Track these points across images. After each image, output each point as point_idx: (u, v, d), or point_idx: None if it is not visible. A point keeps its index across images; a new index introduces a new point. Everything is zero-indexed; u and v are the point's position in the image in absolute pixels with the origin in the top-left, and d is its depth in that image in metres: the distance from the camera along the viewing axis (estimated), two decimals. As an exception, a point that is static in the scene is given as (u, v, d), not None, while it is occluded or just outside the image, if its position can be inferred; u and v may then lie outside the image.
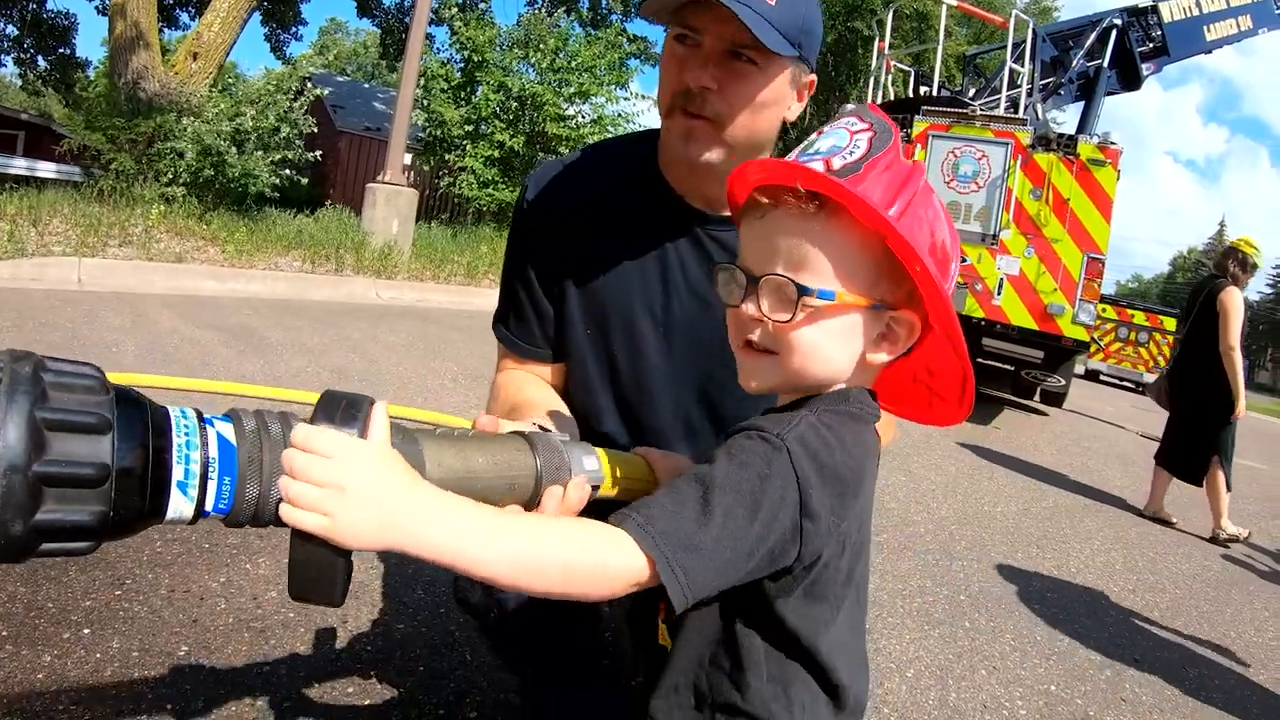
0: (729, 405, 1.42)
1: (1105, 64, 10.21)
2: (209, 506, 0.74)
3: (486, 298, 10.43)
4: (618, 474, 1.11)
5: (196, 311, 6.44)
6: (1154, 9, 10.52)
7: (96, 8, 18.57)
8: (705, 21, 1.22)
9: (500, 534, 0.77)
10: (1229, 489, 5.69)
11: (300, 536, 0.74)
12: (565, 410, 1.38)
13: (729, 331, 0.99)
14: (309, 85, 13.11)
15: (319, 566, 0.75)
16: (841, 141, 0.91)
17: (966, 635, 3.08)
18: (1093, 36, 10.34)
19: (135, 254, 8.05)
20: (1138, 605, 3.90)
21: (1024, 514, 5.23)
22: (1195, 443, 5.72)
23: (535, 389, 1.44)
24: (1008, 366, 10.51)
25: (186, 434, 0.74)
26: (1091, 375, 21.74)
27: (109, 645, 1.97)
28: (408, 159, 13.88)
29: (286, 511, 0.72)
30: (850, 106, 1.00)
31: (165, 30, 18.28)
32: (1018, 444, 8.00)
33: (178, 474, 0.72)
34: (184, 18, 20.09)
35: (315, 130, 12.77)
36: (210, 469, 0.74)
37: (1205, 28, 11.00)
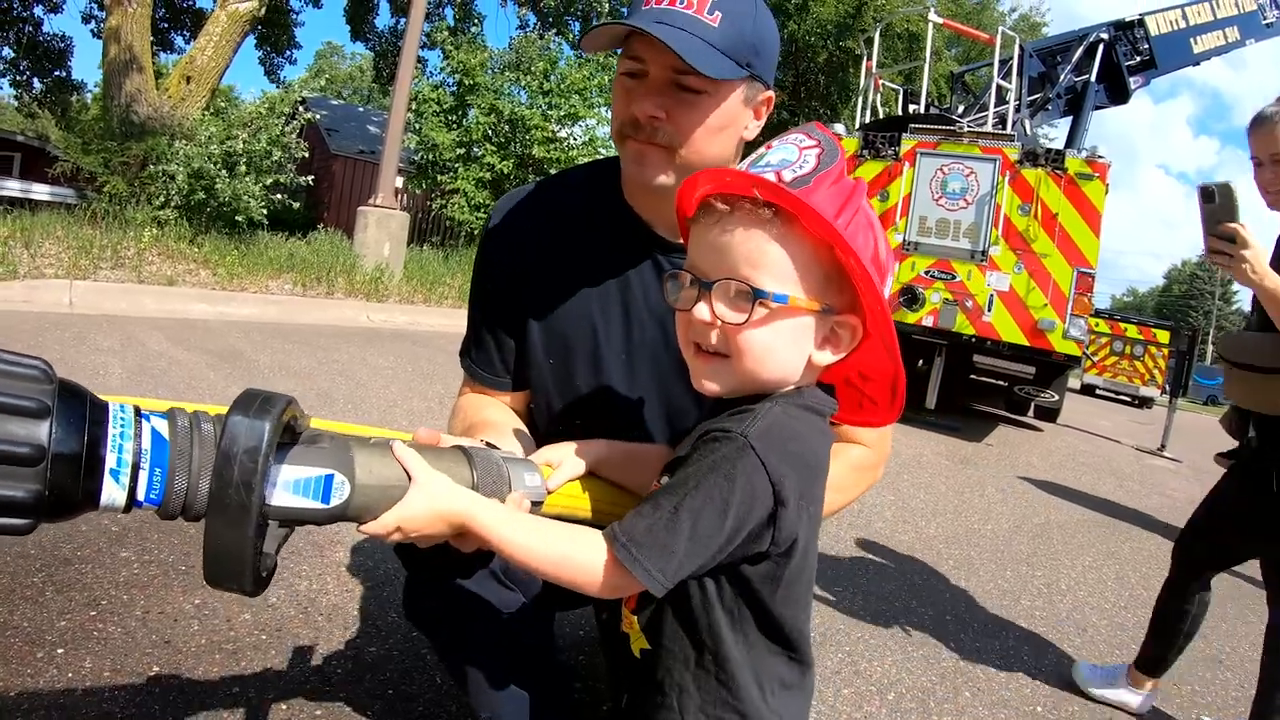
0: (690, 425, 1.41)
1: (1093, 78, 10.25)
2: (140, 495, 0.80)
3: (478, 320, 10.41)
4: (572, 494, 1.13)
5: (186, 334, 6.43)
6: (1141, 22, 10.58)
7: (92, 31, 18.74)
8: (648, 51, 1.22)
9: (521, 524, 0.97)
10: None
11: (214, 524, 0.80)
12: (524, 430, 1.37)
13: (679, 336, 1.03)
14: (301, 109, 13.16)
15: (230, 554, 0.81)
16: (791, 156, 0.95)
17: (950, 657, 3.05)
18: (1080, 51, 10.39)
19: (127, 276, 8.06)
20: (1129, 621, 3.87)
21: (1015, 531, 5.20)
22: None
23: (494, 411, 1.44)
24: (1000, 383, 10.50)
25: (122, 425, 0.79)
26: (1088, 389, 21.76)
27: (81, 665, 1.96)
28: (400, 182, 13.93)
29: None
30: (800, 125, 1.02)
31: (160, 53, 18.40)
32: (1010, 461, 7.98)
33: (110, 461, 0.78)
34: (179, 41, 20.25)
35: (307, 155, 12.80)
36: (142, 460, 0.79)
37: (1192, 40, 11.06)
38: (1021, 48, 9.60)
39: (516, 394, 1.51)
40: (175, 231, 9.99)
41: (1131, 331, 20.03)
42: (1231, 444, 2.92)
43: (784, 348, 0.97)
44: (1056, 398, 10.46)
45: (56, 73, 20.95)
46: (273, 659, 2.13)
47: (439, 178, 16.06)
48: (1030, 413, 11.56)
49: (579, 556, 0.94)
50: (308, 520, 0.89)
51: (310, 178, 12.71)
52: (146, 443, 0.80)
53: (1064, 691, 2.95)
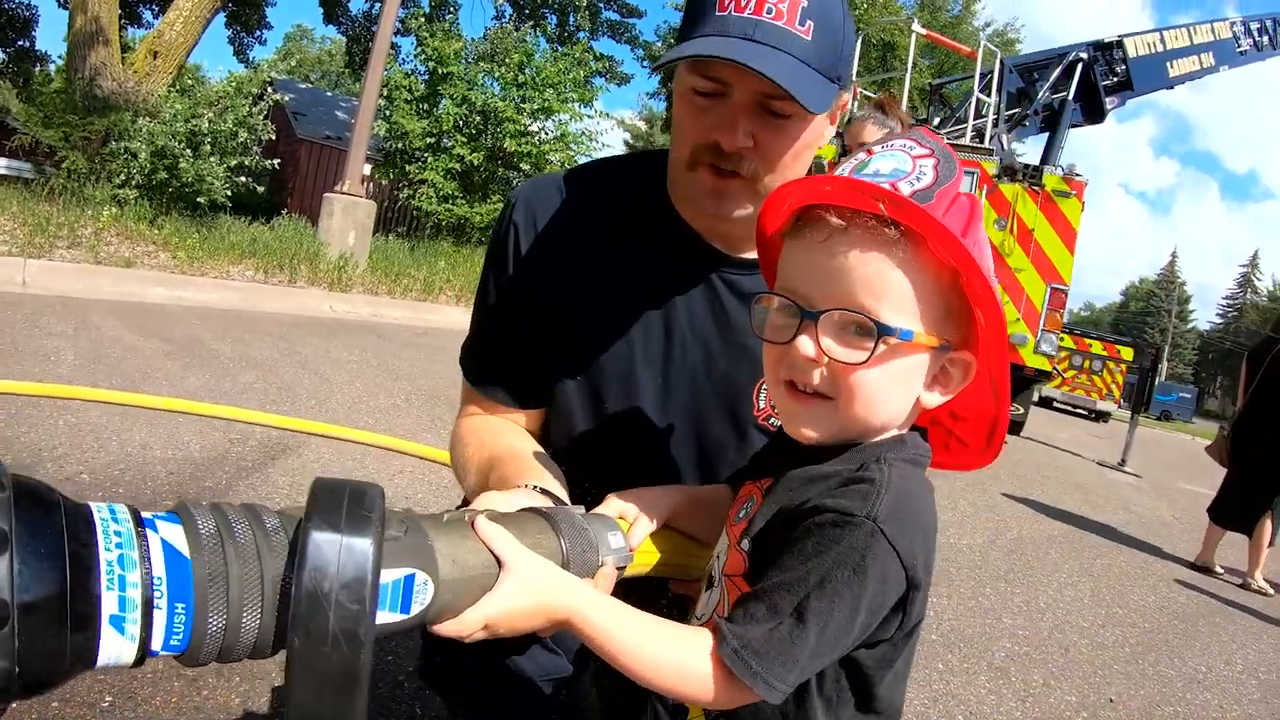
0: (723, 460, 1.26)
1: (1070, 96, 10.35)
2: (157, 645, 0.56)
3: (443, 314, 10.26)
4: (644, 550, 1.00)
5: (143, 320, 6.19)
6: (1119, 44, 10.71)
7: (58, 1, 18.18)
8: (734, 75, 1.04)
9: (630, 622, 0.81)
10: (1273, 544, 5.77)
11: (302, 693, 0.58)
12: (552, 464, 1.18)
13: (767, 371, 0.89)
14: (270, 90, 12.85)
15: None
16: (904, 166, 0.82)
17: (941, 678, 2.98)
18: (1059, 69, 10.48)
19: (83, 257, 7.77)
20: (1108, 640, 3.84)
21: (990, 546, 5.16)
22: (1252, 497, 5.77)
23: (517, 438, 1.25)
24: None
25: (119, 546, 0.55)
26: (1045, 402, 22.06)
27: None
28: (367, 170, 13.67)
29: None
30: (905, 130, 0.88)
31: (128, 28, 17.89)
32: (978, 473, 7.94)
33: (109, 606, 0.53)
34: (147, 15, 19.74)
35: (274, 137, 12.49)
36: (156, 592, 0.55)
37: (1169, 64, 11.23)
38: (1002, 62, 9.65)
39: (531, 413, 1.31)
40: (135, 211, 9.66)
41: (1096, 347, 20.37)
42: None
43: (896, 390, 0.84)
44: (1023, 411, 10.54)
45: (20, 42, 20.41)
46: (236, 687, 1.99)
47: (407, 167, 15.82)
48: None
49: (691, 663, 0.80)
50: (381, 637, 0.67)
51: (276, 161, 12.40)
52: (159, 566, 0.56)
53: (1054, 713, 2.89)
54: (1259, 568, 5.70)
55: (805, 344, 0.81)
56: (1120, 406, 21.43)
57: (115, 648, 0.54)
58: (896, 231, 0.78)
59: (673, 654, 0.80)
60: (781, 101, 1.04)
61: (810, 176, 0.85)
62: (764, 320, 0.87)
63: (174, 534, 0.58)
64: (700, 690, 0.80)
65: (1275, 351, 5.77)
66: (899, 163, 0.82)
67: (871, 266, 0.79)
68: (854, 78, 10.21)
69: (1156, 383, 15.32)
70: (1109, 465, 11.47)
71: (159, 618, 0.55)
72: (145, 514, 0.59)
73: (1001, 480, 7.85)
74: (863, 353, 0.79)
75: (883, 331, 0.79)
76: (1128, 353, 20.21)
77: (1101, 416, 21.94)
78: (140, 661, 0.56)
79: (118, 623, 0.54)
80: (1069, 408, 22.34)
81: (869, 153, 0.85)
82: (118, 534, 0.55)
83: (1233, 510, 5.88)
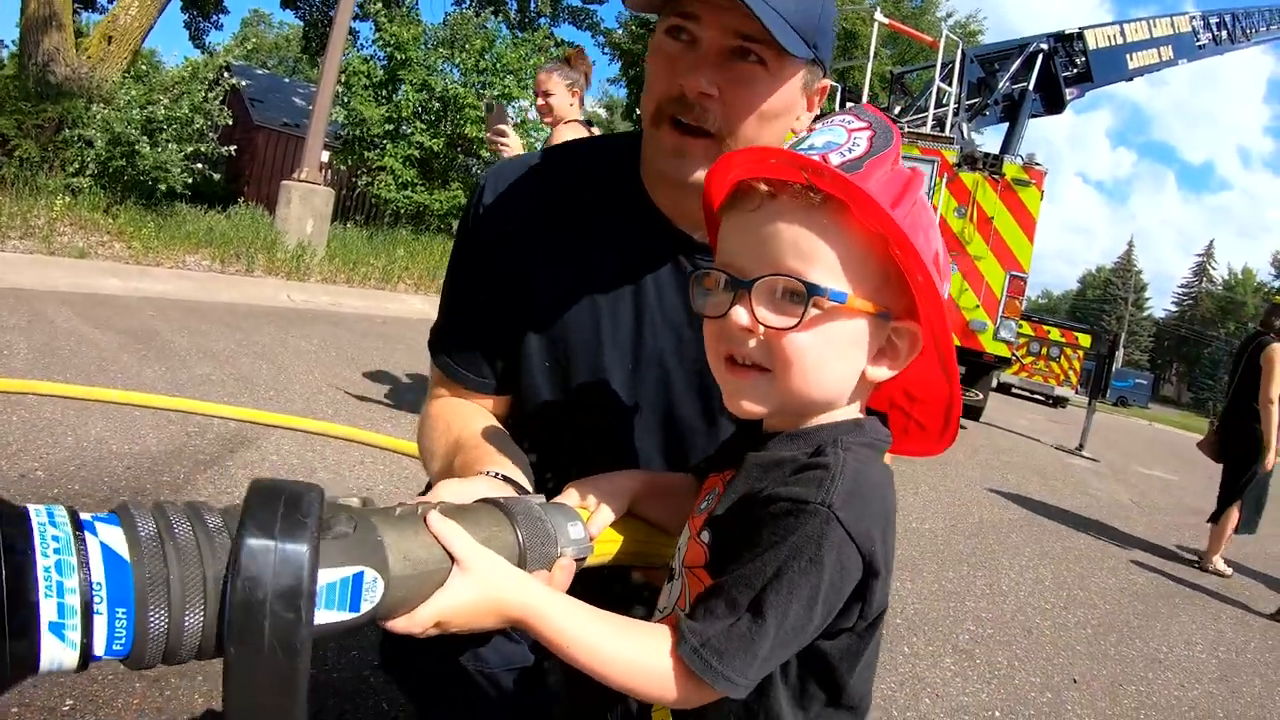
0: (693, 447, 1.25)
1: (1030, 87, 10.46)
2: (99, 649, 0.55)
3: (403, 302, 10.15)
4: (605, 538, 0.98)
5: (97, 311, 6.04)
6: (1080, 35, 10.83)
7: (11, -16, 17.69)
8: (705, 10, 1.02)
9: (587, 622, 0.79)
10: (1237, 533, 5.84)
11: (239, 703, 0.57)
12: (516, 450, 1.15)
13: (708, 348, 0.87)
14: (226, 75, 12.59)
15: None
16: (838, 138, 0.82)
17: (907, 661, 3.00)
18: (1020, 60, 10.59)
19: (36, 247, 7.56)
20: (1070, 622, 3.90)
21: (952, 531, 5.22)
22: (1227, 486, 5.88)
23: (482, 421, 1.22)
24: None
25: (57, 551, 0.53)
26: (1003, 388, 22.39)
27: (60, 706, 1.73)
28: (325, 157, 13.46)
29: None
30: (848, 105, 0.86)
31: (82, 12, 17.38)
32: (939, 458, 8.04)
33: (48, 612, 0.52)
34: (102, 0, 19.26)
35: (231, 123, 12.27)
36: (95, 598, 0.54)
37: (1128, 56, 11.40)
38: (963, 52, 9.72)
39: (499, 398, 1.30)
40: (89, 200, 9.44)
41: (1054, 334, 20.70)
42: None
43: (837, 359, 0.82)
44: (981, 396, 10.65)
45: (-32, 29, 19.84)
46: (199, 687, 1.94)
47: (366, 154, 15.63)
48: (955, 410, 11.75)
49: (651, 662, 0.78)
50: (328, 636, 0.66)
51: (232, 148, 12.15)
52: (99, 571, 0.54)
53: (1019, 694, 2.93)
54: (1219, 552, 5.82)
55: (739, 313, 0.80)
56: (1078, 392, 21.82)
57: (56, 654, 0.53)
58: (820, 197, 0.78)
59: (632, 653, 0.79)
60: (754, 45, 1.02)
61: (750, 149, 0.83)
62: (704, 296, 0.85)
63: (114, 536, 0.56)
64: (661, 689, 0.79)
65: (1253, 346, 5.88)
66: (833, 136, 0.82)
67: (798, 231, 0.79)
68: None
69: (1113, 369, 15.60)
70: (1067, 450, 11.66)
71: (100, 623, 0.54)
72: (84, 516, 0.57)
73: (962, 465, 7.95)
74: (793, 318, 0.78)
75: (812, 292, 0.78)
76: (1085, 339, 20.57)
77: (1059, 402, 22.31)
78: (84, 666, 0.55)
79: (57, 629, 0.53)
80: (1027, 393, 22.69)
81: (811, 129, 0.85)
82: (55, 539, 0.54)
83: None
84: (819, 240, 0.78)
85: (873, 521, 0.79)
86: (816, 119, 0.90)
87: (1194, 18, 12.36)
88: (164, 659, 0.58)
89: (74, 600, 0.53)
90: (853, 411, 0.88)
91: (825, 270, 0.78)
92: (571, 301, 1.20)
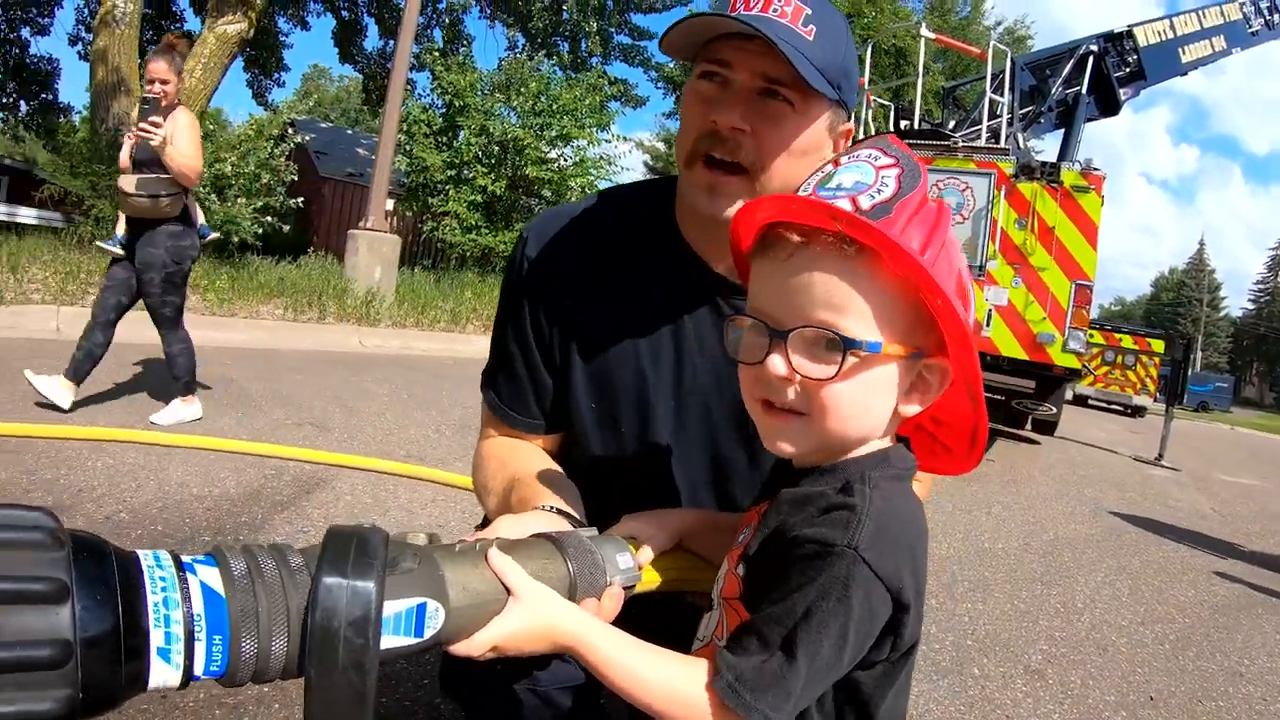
0: (737, 482, 1.30)
1: (1084, 90, 10.28)
2: (199, 670, 0.65)
3: (471, 344, 10.34)
4: (653, 569, 1.05)
5: (176, 363, 6.30)
6: (1129, 34, 10.61)
7: (79, 53, 18.71)
8: (736, 55, 1.09)
9: (631, 651, 0.85)
10: None
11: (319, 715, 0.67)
12: (568, 484, 1.23)
13: (744, 391, 0.91)
14: (290, 131, 13.08)
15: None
16: (866, 178, 0.84)
17: (976, 683, 2.97)
18: (1070, 64, 10.41)
19: (115, 305, 7.92)
20: (1147, 637, 3.80)
21: (1024, 549, 5.13)
22: None
23: (535, 459, 1.29)
24: (998, 397, 10.46)
25: (164, 589, 0.64)
26: (1080, 400, 21.79)
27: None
28: (390, 205, 13.85)
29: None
30: (870, 138, 0.90)
31: (149, 79, 18.28)
32: (1012, 475, 7.91)
33: (157, 639, 0.62)
34: (166, 66, 20.15)
35: (296, 177, 12.72)
36: (196, 627, 0.64)
37: (1180, 50, 11.11)
38: (1012, 61, 9.61)
39: (549, 436, 1.36)
40: (164, 257, 9.87)
41: (1126, 342, 20.10)
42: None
43: (871, 401, 0.85)
44: (1055, 410, 10.40)
45: (43, 95, 20.93)
46: (277, 714, 2.03)
47: (430, 200, 16.02)
48: (1028, 425, 11.50)
49: (689, 692, 0.83)
50: (397, 657, 0.77)
51: (300, 200, 12.61)
52: (199, 605, 0.65)
53: (1093, 713, 2.87)
54: None
55: (777, 363, 0.83)
56: (1156, 400, 21.14)
57: (163, 674, 0.63)
58: (854, 248, 0.80)
59: (671, 683, 0.84)
60: (782, 88, 1.09)
61: (777, 195, 0.87)
62: (738, 341, 0.89)
63: (210, 576, 0.67)
64: (694, 717, 0.83)
65: None
66: (861, 174, 0.84)
67: (832, 283, 0.81)
68: (867, 85, 10.24)
69: (1191, 373, 15.10)
70: (1146, 460, 11.31)
71: (199, 648, 0.64)
72: (185, 559, 0.67)
73: (1036, 481, 7.79)
74: (831, 367, 0.81)
75: (849, 345, 0.80)
76: (1159, 345, 19.94)
77: (1138, 411, 21.63)
78: (185, 684, 0.65)
79: (164, 654, 0.63)
80: (1104, 404, 22.06)
81: (835, 164, 0.87)
82: (162, 579, 0.64)
83: None
84: (853, 291, 0.81)
85: (900, 558, 0.82)
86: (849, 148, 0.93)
87: (1243, 4, 11.91)
88: (254, 678, 0.68)
89: (178, 629, 0.63)
90: (883, 443, 0.91)
91: (860, 320, 0.81)
92: (614, 342, 1.26)
